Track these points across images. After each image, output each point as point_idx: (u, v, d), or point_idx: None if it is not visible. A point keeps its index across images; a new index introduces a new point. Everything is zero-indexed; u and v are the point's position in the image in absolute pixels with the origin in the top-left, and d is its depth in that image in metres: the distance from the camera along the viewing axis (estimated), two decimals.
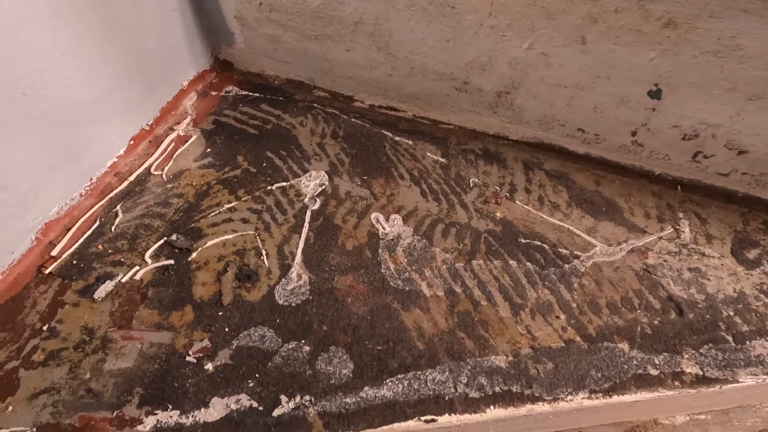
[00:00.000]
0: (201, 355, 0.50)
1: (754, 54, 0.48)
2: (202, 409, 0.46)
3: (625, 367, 0.49)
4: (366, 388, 0.47)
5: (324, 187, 0.66)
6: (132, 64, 0.65)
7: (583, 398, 0.47)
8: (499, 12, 0.56)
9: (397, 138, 0.73)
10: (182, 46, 0.74)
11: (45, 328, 0.51)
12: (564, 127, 0.67)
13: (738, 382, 0.49)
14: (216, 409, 0.46)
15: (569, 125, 0.66)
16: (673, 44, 0.51)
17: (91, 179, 0.64)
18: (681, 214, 0.63)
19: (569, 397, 0.47)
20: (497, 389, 0.48)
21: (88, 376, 0.48)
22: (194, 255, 0.58)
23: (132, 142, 0.69)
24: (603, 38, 0.53)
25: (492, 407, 0.47)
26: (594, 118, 0.63)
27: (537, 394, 0.47)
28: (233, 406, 0.46)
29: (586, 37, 0.54)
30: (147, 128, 0.71)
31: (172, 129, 0.73)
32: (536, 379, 0.48)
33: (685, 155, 0.62)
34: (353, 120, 0.76)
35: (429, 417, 0.46)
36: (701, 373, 0.49)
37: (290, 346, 0.50)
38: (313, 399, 0.47)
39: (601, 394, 0.48)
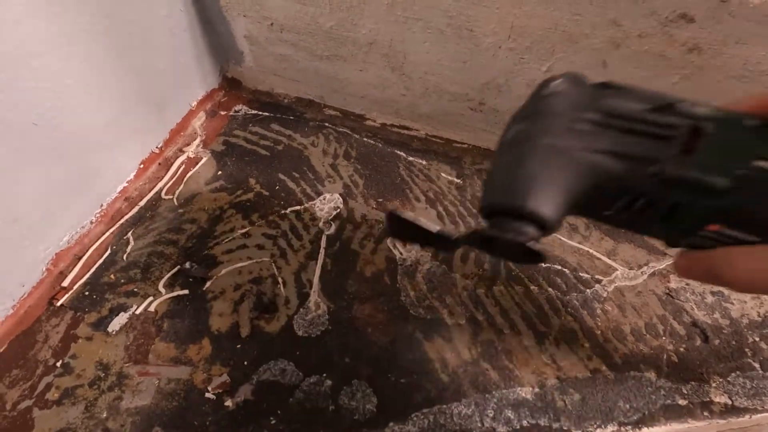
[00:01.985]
0: (220, 390, 0.48)
1: None
2: None
3: (653, 397, 0.49)
4: (391, 423, 0.46)
5: (339, 210, 0.65)
6: (142, 87, 0.64)
7: (613, 431, 0.46)
8: (519, 35, 0.55)
9: (410, 158, 0.72)
10: (191, 65, 0.73)
11: (58, 364, 0.50)
12: None
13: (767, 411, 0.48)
14: None
15: None
16: (697, 68, 0.50)
17: (102, 205, 0.62)
18: None
19: (598, 431, 0.46)
20: (525, 423, 0.47)
21: (105, 415, 0.47)
22: (209, 284, 0.57)
23: (142, 165, 0.67)
24: (625, 62, 0.53)
25: None
26: None
27: (565, 428, 0.47)
28: None
29: (608, 61, 0.54)
30: (157, 151, 0.70)
31: (181, 151, 0.72)
32: (564, 412, 0.47)
33: None
34: (365, 139, 0.75)
35: None
36: (730, 402, 0.49)
37: (312, 380, 0.49)
38: None
39: (630, 427, 0.47)
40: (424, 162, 0.72)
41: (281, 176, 0.69)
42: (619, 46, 0.52)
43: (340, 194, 0.67)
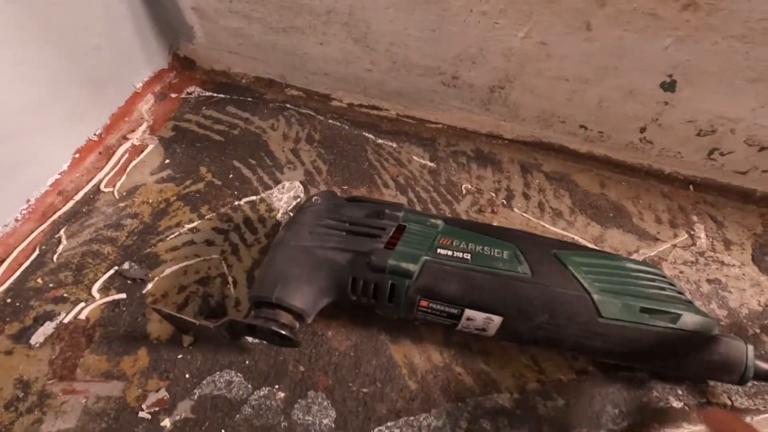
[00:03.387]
0: (157, 408, 0.42)
1: None
2: None
3: (645, 400, 0.44)
4: None
5: (299, 199, 0.59)
6: (73, 65, 0.56)
7: None
8: None
9: (379, 141, 0.66)
10: (133, 42, 0.65)
11: None
12: (564, 124, 0.60)
13: None
14: None
15: (570, 122, 0.59)
16: (692, 29, 0.44)
17: (29, 201, 0.55)
18: (695, 218, 0.57)
19: None
20: None
21: None
22: (150, 286, 0.50)
23: (77, 155, 0.60)
24: (611, 24, 0.47)
25: None
26: (598, 114, 0.56)
27: None
28: None
29: (592, 23, 0.47)
30: (95, 138, 0.62)
31: (125, 138, 0.65)
32: (546, 420, 0.42)
33: (700, 152, 0.56)
34: (330, 121, 0.68)
35: None
36: (729, 402, 0.44)
37: (262, 393, 0.43)
38: None
39: None
40: (394, 145, 0.65)
41: (236, 163, 0.62)
42: (605, 4, 0.45)
43: (301, 182, 0.60)
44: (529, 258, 0.40)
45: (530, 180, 0.61)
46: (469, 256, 0.40)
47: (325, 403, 0.43)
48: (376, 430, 0.41)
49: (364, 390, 0.44)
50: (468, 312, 0.40)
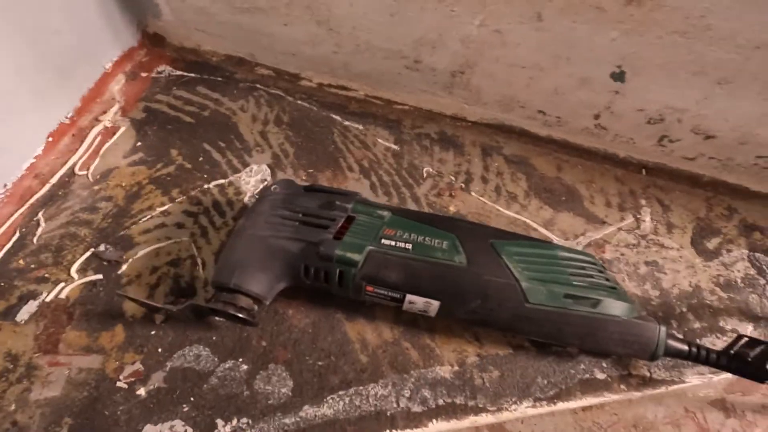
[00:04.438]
0: (133, 379, 0.47)
1: (724, 35, 0.43)
2: None
3: (572, 371, 0.48)
4: (306, 406, 0.46)
5: (265, 182, 0.61)
6: (34, 50, 0.57)
7: (527, 407, 0.47)
8: None
9: (346, 122, 0.67)
10: (98, 21, 0.65)
11: None
12: (524, 109, 0.61)
13: (684, 382, 0.48)
14: None
15: (529, 107, 0.61)
16: (637, 23, 0.45)
17: (6, 185, 0.58)
18: (644, 201, 0.60)
19: (513, 407, 0.47)
20: (441, 402, 0.47)
21: (13, 407, 0.46)
22: (125, 267, 0.54)
23: (50, 138, 0.62)
24: (561, 15, 0.47)
25: (435, 421, 0.46)
26: (555, 101, 0.58)
27: (481, 405, 0.46)
28: None
29: (543, 13, 0.48)
30: (67, 121, 0.64)
31: (97, 120, 0.66)
32: (481, 390, 0.47)
33: (651, 139, 0.58)
34: (299, 102, 0.69)
35: None
36: (648, 374, 0.49)
37: (227, 366, 0.48)
38: (250, 421, 0.45)
39: (545, 402, 0.47)
40: (360, 127, 0.67)
41: (206, 146, 0.64)
42: None
43: (269, 165, 0.63)
44: (467, 247, 0.44)
45: (490, 163, 0.63)
46: (410, 246, 0.43)
47: (284, 374, 0.48)
48: (328, 397, 0.46)
49: (320, 363, 0.48)
50: (409, 296, 0.44)
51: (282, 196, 0.48)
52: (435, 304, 0.44)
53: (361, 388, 0.47)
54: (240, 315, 0.43)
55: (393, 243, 0.44)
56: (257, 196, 0.50)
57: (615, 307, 0.42)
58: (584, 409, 0.46)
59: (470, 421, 0.46)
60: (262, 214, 0.47)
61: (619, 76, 0.51)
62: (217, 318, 0.50)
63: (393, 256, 0.43)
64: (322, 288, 0.47)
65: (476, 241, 0.44)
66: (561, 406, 0.47)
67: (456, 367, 0.49)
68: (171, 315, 0.48)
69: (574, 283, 0.43)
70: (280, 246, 0.45)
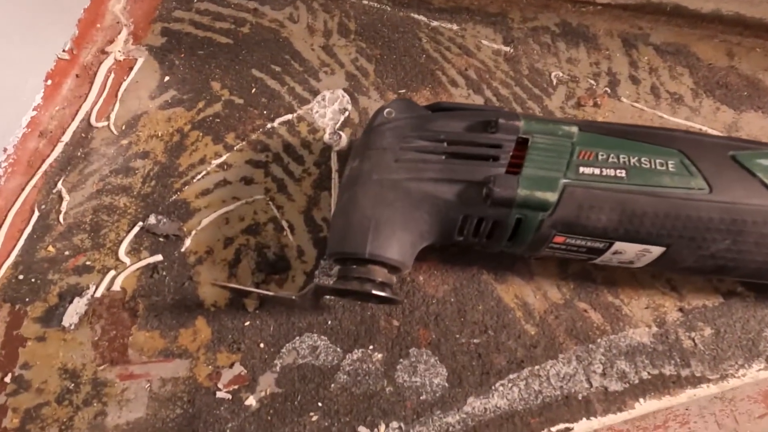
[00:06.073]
0: (236, 386, 0.36)
1: None
2: None
3: None
4: (470, 399, 0.35)
5: (347, 113, 0.46)
6: None
7: (759, 369, 0.35)
8: None
9: (434, 23, 0.51)
10: None
11: (8, 379, 0.37)
12: None
13: None
14: None
15: None
16: None
17: (6, 149, 0.43)
18: None
19: (740, 372, 0.35)
20: (644, 375, 0.35)
21: None
22: (189, 242, 0.41)
23: (50, 81, 0.46)
24: None
25: (642, 400, 0.35)
26: None
27: (698, 374, 0.35)
28: None
29: None
30: (66, 56, 0.47)
31: (104, 52, 0.50)
32: (694, 354, 0.36)
33: None
34: (365, 2, 0.52)
35: (562, 426, 0.34)
36: None
37: (355, 357, 0.36)
38: (402, 425, 0.34)
39: None
40: (455, 27, 0.50)
41: (256, 73, 0.48)
42: None
43: (345, 90, 0.47)
44: (702, 166, 0.30)
45: (637, 57, 0.48)
46: (623, 173, 0.30)
47: (432, 360, 0.36)
48: (497, 384, 0.35)
49: (475, 341, 0.37)
50: (618, 245, 0.31)
51: (405, 121, 0.34)
52: (655, 252, 0.31)
53: (537, 367, 0.36)
54: (384, 293, 0.30)
55: (597, 171, 0.30)
56: (367, 128, 0.35)
57: None
58: None
59: (687, 395, 0.35)
60: (387, 149, 0.32)
61: None
62: (339, 299, 0.37)
63: (601, 190, 0.29)
64: (473, 244, 0.34)
65: (712, 155, 0.31)
66: None
67: (655, 328, 0.37)
68: (293, 305, 0.36)
69: None
70: (425, 192, 0.31)
